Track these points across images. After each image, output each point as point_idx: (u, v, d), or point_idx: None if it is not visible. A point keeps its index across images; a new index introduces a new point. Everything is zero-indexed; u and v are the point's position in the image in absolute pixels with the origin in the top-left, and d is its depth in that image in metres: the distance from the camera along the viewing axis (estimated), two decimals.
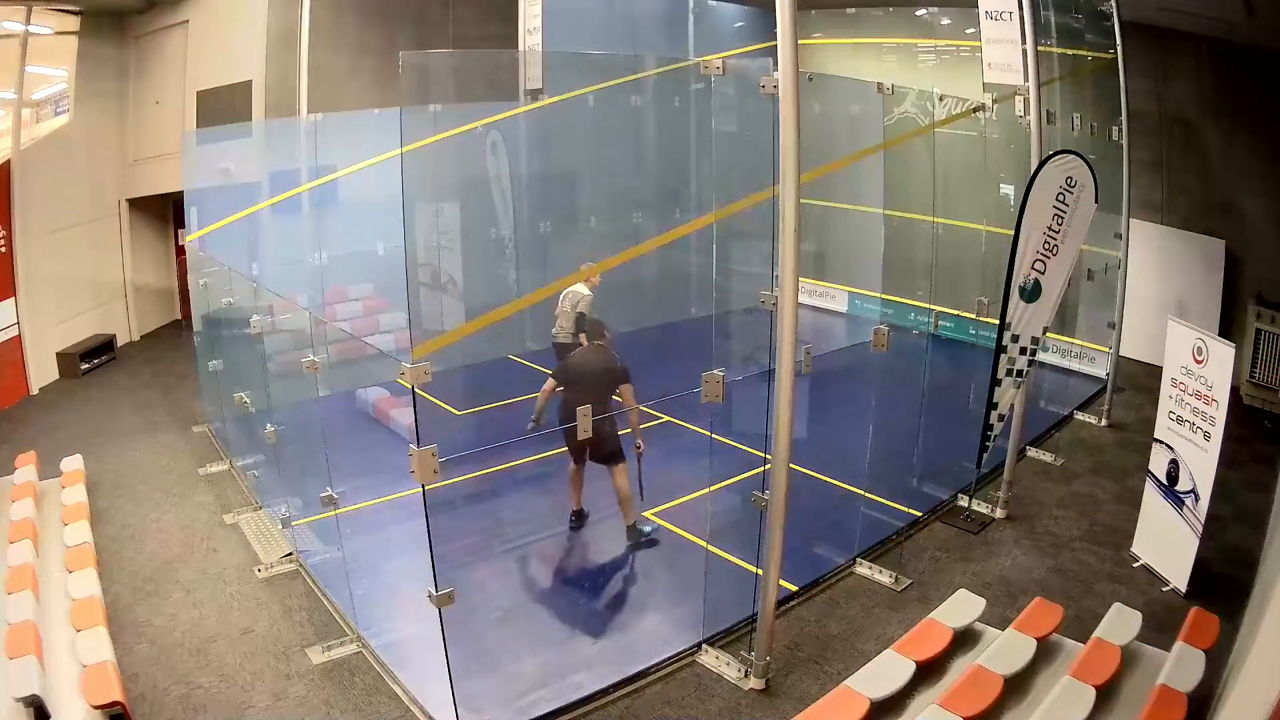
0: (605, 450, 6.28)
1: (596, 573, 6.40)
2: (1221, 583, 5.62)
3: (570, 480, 6.58)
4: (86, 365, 11.00)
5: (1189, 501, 5.72)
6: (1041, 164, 6.13)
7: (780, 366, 4.56)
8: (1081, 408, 9.18)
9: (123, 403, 9.99)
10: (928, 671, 4.40)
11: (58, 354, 10.81)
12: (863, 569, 6.13)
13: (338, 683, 5.01)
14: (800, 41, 4.30)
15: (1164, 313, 7.33)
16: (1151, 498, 6.16)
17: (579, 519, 6.63)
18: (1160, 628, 4.86)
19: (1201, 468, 5.62)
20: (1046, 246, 6.21)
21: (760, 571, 4.92)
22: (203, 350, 9.02)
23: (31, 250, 10.28)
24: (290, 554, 6.38)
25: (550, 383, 6.26)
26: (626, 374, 6.18)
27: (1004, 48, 7.09)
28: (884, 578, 6.02)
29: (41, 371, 10.52)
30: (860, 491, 6.45)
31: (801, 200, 4.39)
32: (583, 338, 7.03)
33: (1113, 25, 8.55)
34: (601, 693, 4.84)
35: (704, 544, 5.43)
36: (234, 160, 9.17)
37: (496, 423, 8.11)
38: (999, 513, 6.93)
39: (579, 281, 7.82)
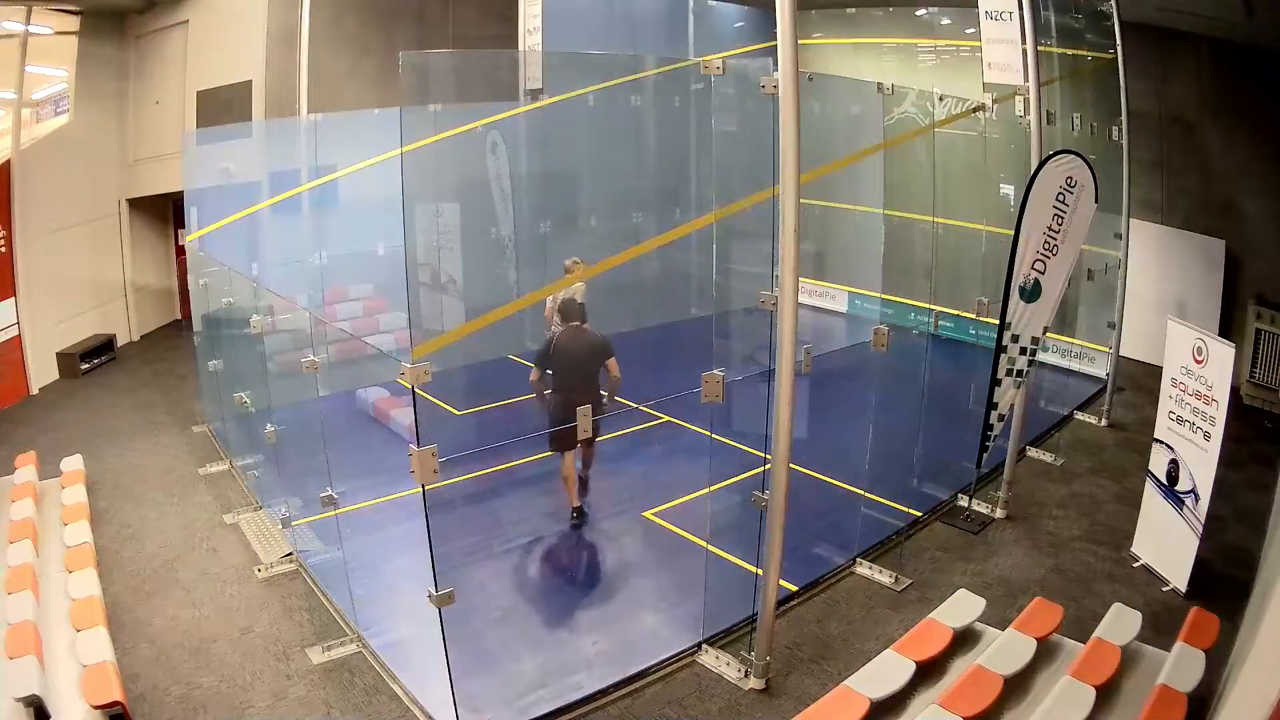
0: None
1: (597, 572, 6.41)
2: (1221, 583, 5.62)
3: (564, 479, 6.57)
4: (86, 365, 11.00)
5: (1189, 501, 5.72)
6: (1041, 164, 6.13)
7: (780, 366, 4.56)
8: (1081, 408, 9.18)
9: (123, 403, 9.98)
10: (928, 671, 4.40)
11: (58, 354, 10.81)
12: (863, 569, 6.13)
13: (338, 683, 5.01)
14: (800, 41, 4.30)
15: (1164, 313, 7.33)
16: (1151, 498, 6.16)
17: (579, 517, 6.63)
18: (1160, 628, 4.87)
19: (1201, 468, 5.62)
20: (1046, 246, 6.21)
21: (760, 571, 4.92)
22: (203, 350, 9.02)
23: (31, 250, 10.28)
24: (290, 554, 6.37)
25: (535, 371, 6.27)
26: (611, 347, 6.28)
27: (1004, 48, 7.09)
28: (884, 578, 6.01)
29: (41, 371, 10.51)
30: (860, 491, 6.44)
31: (801, 200, 4.39)
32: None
33: (1113, 25, 8.55)
34: (601, 693, 4.84)
35: (704, 544, 5.43)
36: (234, 160, 9.16)
37: (496, 423, 8.10)
38: (999, 513, 6.93)
39: (574, 284, 7.82)
